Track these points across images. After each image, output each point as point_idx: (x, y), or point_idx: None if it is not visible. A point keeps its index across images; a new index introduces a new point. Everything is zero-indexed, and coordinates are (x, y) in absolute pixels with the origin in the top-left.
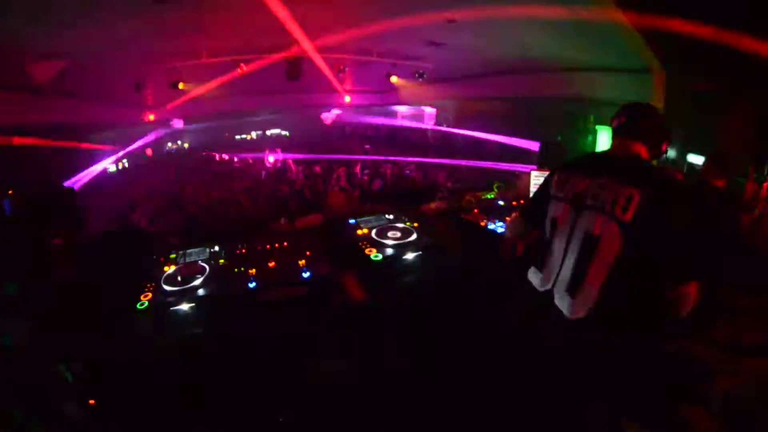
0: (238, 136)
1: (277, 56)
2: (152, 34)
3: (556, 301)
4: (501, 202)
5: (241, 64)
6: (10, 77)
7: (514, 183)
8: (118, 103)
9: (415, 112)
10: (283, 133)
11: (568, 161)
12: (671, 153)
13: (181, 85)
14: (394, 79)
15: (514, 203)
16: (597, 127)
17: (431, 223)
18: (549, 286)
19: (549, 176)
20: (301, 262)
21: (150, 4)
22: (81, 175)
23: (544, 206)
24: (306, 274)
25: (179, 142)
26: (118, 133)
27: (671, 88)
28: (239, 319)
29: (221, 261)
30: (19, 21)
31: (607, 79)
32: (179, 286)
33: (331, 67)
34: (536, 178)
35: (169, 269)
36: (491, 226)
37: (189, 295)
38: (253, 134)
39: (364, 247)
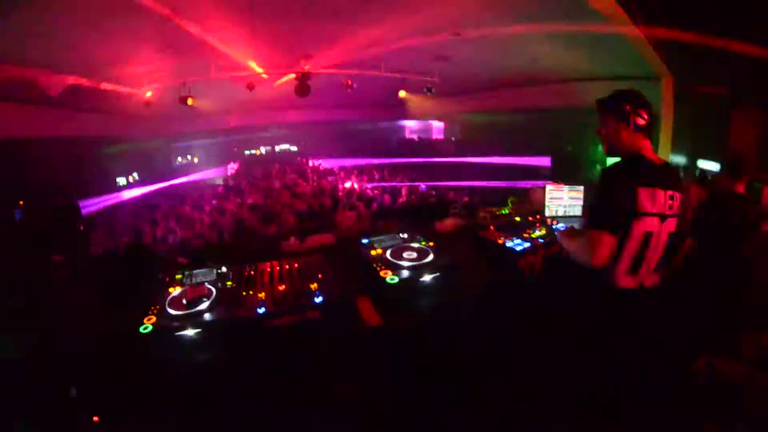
0: (247, 151)
1: (286, 71)
2: (160, 49)
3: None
4: (517, 218)
5: (251, 82)
6: (23, 90)
7: (528, 197)
8: (128, 117)
9: (424, 126)
10: (292, 148)
11: (636, 172)
12: (681, 159)
13: (190, 101)
14: (402, 93)
15: (530, 218)
16: None
17: (447, 241)
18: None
19: (630, 191)
20: (313, 286)
21: (158, 19)
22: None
23: (630, 222)
24: (318, 299)
25: (189, 157)
26: (130, 147)
27: (680, 93)
28: (248, 345)
29: (228, 283)
30: (28, 35)
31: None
32: (185, 310)
33: (339, 82)
34: (551, 192)
35: (175, 291)
36: (509, 244)
37: (195, 319)
38: (262, 149)
39: (379, 268)
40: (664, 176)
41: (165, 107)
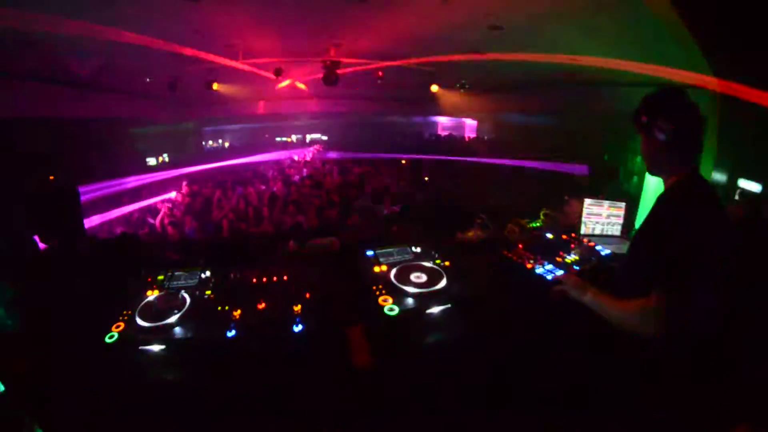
0: (278, 138)
1: (314, 60)
2: (186, 33)
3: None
4: (549, 235)
5: (278, 68)
6: (51, 71)
7: (563, 210)
8: (155, 100)
9: (456, 123)
10: (323, 137)
11: (715, 202)
12: (721, 177)
13: (215, 86)
14: (434, 88)
15: (564, 236)
16: None
17: (466, 261)
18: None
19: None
20: (297, 308)
21: (182, 2)
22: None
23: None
24: (297, 328)
25: (220, 141)
26: (157, 129)
27: (727, 103)
28: (214, 370)
29: (207, 292)
30: (56, 15)
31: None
32: (153, 322)
33: (369, 73)
34: (589, 207)
35: (152, 295)
36: (539, 270)
37: (161, 334)
38: (293, 137)
39: (378, 293)
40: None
41: (191, 91)
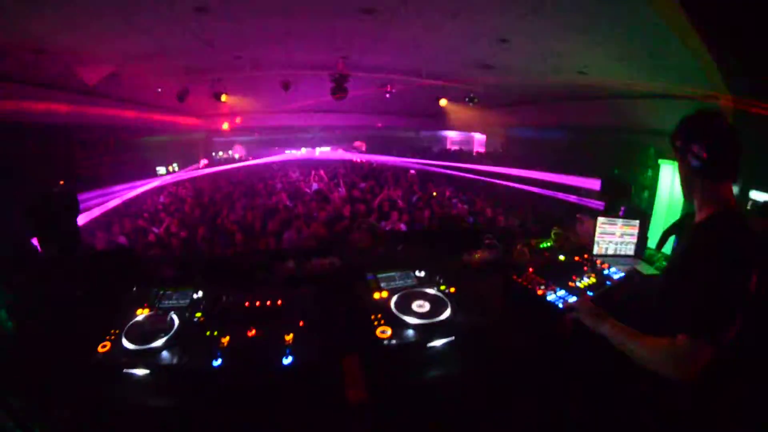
0: (288, 151)
1: (321, 73)
2: (194, 43)
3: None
4: (561, 257)
5: (286, 81)
6: (60, 78)
7: (574, 229)
8: (165, 110)
9: (465, 138)
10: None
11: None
12: (734, 189)
13: (223, 97)
14: (443, 102)
15: (576, 258)
16: (660, 161)
17: (473, 287)
18: None
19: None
20: (288, 337)
21: (191, 11)
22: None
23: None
24: (287, 360)
25: (230, 152)
26: (171, 138)
27: (739, 115)
28: (198, 401)
29: (197, 315)
30: (63, 23)
31: (669, 107)
32: (139, 344)
33: (378, 86)
34: (602, 226)
35: (141, 314)
36: (551, 297)
37: (147, 358)
38: (303, 150)
39: (376, 322)
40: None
41: (200, 102)
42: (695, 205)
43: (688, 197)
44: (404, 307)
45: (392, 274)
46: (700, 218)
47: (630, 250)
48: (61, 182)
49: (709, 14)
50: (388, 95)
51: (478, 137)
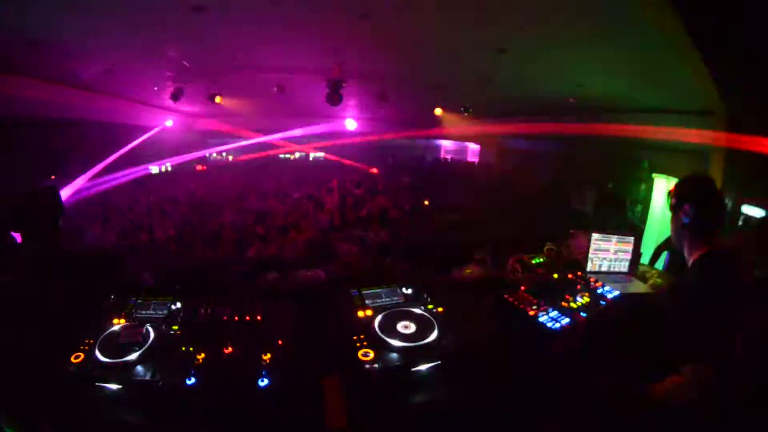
0: (282, 156)
1: (317, 78)
2: (190, 42)
3: None
4: (555, 275)
5: (280, 84)
6: (54, 72)
7: (567, 244)
8: (158, 108)
9: (459, 147)
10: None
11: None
12: (727, 203)
13: (218, 99)
14: (438, 111)
15: (570, 276)
16: (653, 175)
17: (462, 305)
18: None
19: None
20: (266, 357)
21: (188, 11)
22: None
23: None
24: (263, 382)
25: (223, 154)
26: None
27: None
28: (168, 422)
29: (174, 328)
30: (58, 17)
31: (664, 122)
32: (112, 358)
33: (373, 94)
34: (596, 243)
35: (117, 324)
36: (543, 318)
37: (119, 372)
38: (297, 154)
39: (358, 344)
40: None
41: (194, 104)
42: (685, 252)
43: (678, 245)
44: (389, 328)
45: (378, 290)
46: (691, 261)
47: (624, 267)
48: (53, 177)
49: (709, 32)
50: (381, 102)
51: (472, 147)
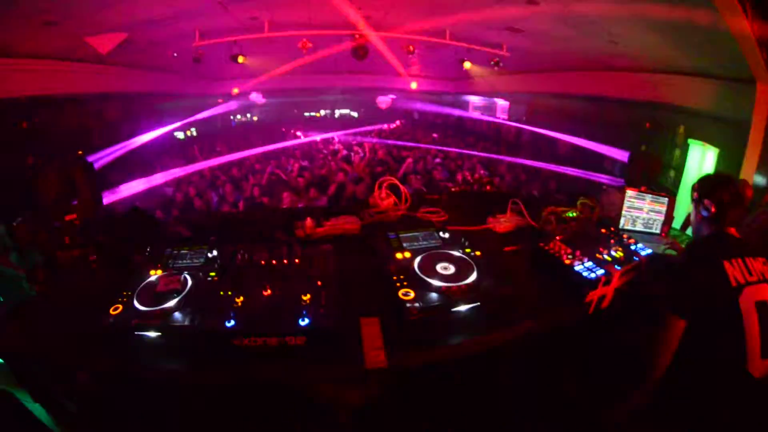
0: (307, 113)
1: (341, 33)
2: (210, 4)
3: None
4: (588, 227)
5: (305, 40)
6: (70, 49)
7: (599, 199)
8: (181, 74)
9: (487, 104)
10: (353, 113)
11: (716, 247)
12: (762, 180)
13: (240, 59)
14: (467, 65)
15: (603, 230)
16: (689, 141)
17: (499, 251)
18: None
19: (714, 272)
20: (306, 297)
21: None
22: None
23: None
24: (304, 322)
25: (248, 115)
26: (188, 103)
27: None
28: (209, 366)
29: (212, 274)
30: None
31: (703, 87)
32: (151, 306)
33: (400, 48)
34: (630, 200)
35: (154, 275)
36: (578, 267)
37: (159, 319)
38: (322, 112)
39: (398, 284)
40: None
41: (217, 64)
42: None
43: (694, 233)
44: (428, 268)
45: (415, 234)
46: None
47: (656, 228)
48: (80, 152)
49: None
50: (411, 56)
51: (501, 104)
